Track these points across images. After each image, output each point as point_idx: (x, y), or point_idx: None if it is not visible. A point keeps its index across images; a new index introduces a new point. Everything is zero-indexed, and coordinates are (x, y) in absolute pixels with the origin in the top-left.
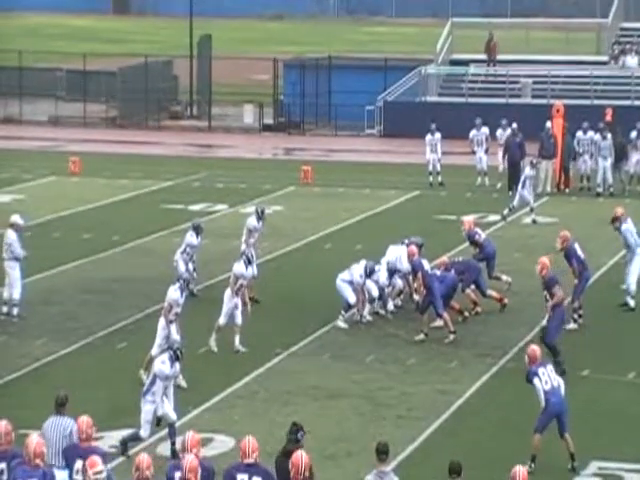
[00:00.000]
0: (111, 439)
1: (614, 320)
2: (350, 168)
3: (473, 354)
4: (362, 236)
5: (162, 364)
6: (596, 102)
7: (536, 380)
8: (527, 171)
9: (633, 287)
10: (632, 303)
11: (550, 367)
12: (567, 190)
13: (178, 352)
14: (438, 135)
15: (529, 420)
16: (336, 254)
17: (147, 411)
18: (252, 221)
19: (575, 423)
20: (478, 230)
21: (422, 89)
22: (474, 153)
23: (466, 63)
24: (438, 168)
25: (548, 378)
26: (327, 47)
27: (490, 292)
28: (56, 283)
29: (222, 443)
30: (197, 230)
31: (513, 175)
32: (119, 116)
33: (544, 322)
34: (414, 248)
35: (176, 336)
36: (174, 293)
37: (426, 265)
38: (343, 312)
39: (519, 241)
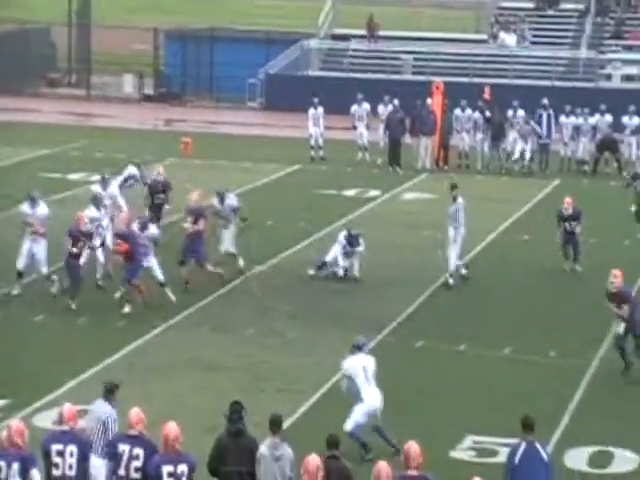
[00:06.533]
0: None
1: (490, 295)
2: (231, 141)
3: (353, 328)
4: (242, 209)
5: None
6: (475, 80)
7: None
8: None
9: (454, 266)
10: (451, 281)
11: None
12: (446, 167)
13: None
14: (321, 109)
15: (404, 392)
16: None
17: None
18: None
19: (451, 397)
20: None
21: (304, 63)
22: (355, 128)
23: (348, 38)
24: (320, 142)
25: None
26: (209, 18)
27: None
28: None
29: None
30: (32, 200)
31: (393, 151)
32: None
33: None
34: (125, 216)
35: None
36: None
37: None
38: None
39: (399, 216)
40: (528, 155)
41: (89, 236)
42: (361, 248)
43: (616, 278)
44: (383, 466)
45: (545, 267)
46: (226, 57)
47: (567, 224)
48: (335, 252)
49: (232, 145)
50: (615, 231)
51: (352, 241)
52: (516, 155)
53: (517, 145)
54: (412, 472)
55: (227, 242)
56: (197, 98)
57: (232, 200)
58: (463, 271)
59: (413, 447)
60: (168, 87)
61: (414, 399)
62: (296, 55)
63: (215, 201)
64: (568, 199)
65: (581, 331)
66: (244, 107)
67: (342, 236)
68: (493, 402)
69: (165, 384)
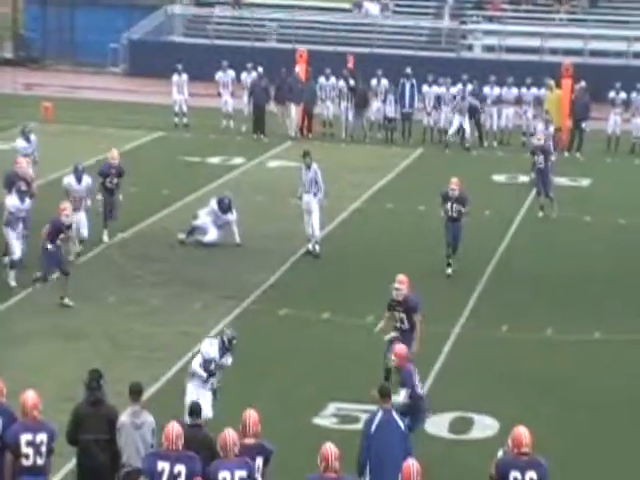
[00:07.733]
0: None
1: (354, 263)
2: (93, 106)
3: (216, 296)
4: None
5: None
6: (339, 49)
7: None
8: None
9: (317, 232)
10: (317, 249)
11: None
12: (310, 135)
13: None
14: (185, 76)
15: (268, 359)
16: None
17: None
18: (20, 143)
19: (314, 365)
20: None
21: (168, 29)
22: (220, 95)
23: (212, 4)
24: (184, 109)
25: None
26: None
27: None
28: None
29: None
30: None
31: (258, 119)
32: None
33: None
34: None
35: None
36: None
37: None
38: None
39: (263, 184)
40: (468, 130)
41: (69, 227)
42: (233, 216)
43: (402, 284)
44: (230, 433)
45: (409, 235)
46: (88, 21)
47: (450, 206)
48: (205, 219)
49: (94, 111)
50: (476, 201)
51: (224, 207)
52: (452, 131)
53: (454, 121)
54: (249, 440)
55: (81, 226)
56: (58, 62)
57: (89, 179)
58: (316, 247)
59: (250, 415)
60: (28, 51)
61: (277, 366)
62: (160, 21)
63: (72, 179)
64: (455, 179)
65: (443, 298)
66: (106, 72)
67: (213, 202)
68: (356, 370)
69: (24, 352)
